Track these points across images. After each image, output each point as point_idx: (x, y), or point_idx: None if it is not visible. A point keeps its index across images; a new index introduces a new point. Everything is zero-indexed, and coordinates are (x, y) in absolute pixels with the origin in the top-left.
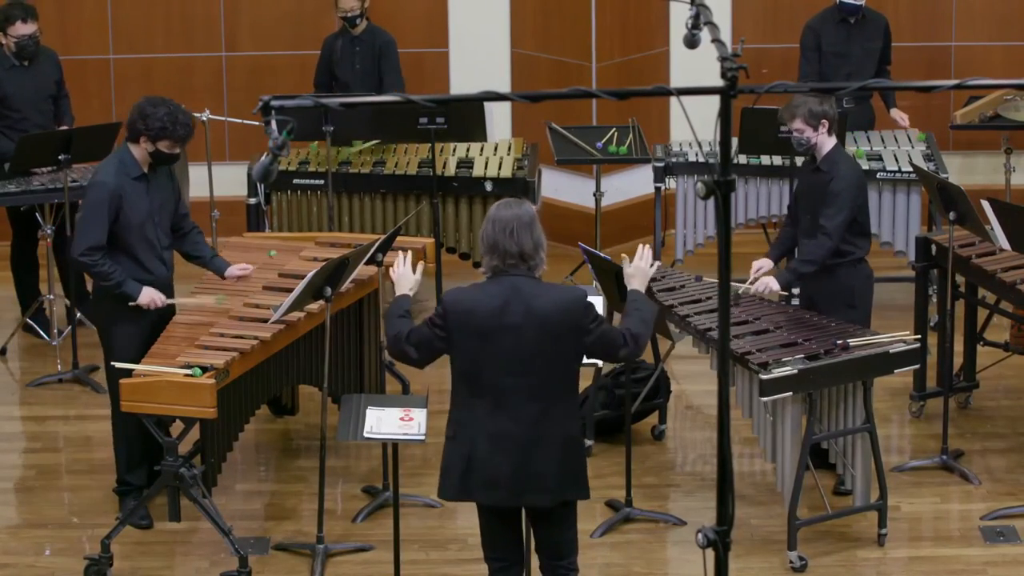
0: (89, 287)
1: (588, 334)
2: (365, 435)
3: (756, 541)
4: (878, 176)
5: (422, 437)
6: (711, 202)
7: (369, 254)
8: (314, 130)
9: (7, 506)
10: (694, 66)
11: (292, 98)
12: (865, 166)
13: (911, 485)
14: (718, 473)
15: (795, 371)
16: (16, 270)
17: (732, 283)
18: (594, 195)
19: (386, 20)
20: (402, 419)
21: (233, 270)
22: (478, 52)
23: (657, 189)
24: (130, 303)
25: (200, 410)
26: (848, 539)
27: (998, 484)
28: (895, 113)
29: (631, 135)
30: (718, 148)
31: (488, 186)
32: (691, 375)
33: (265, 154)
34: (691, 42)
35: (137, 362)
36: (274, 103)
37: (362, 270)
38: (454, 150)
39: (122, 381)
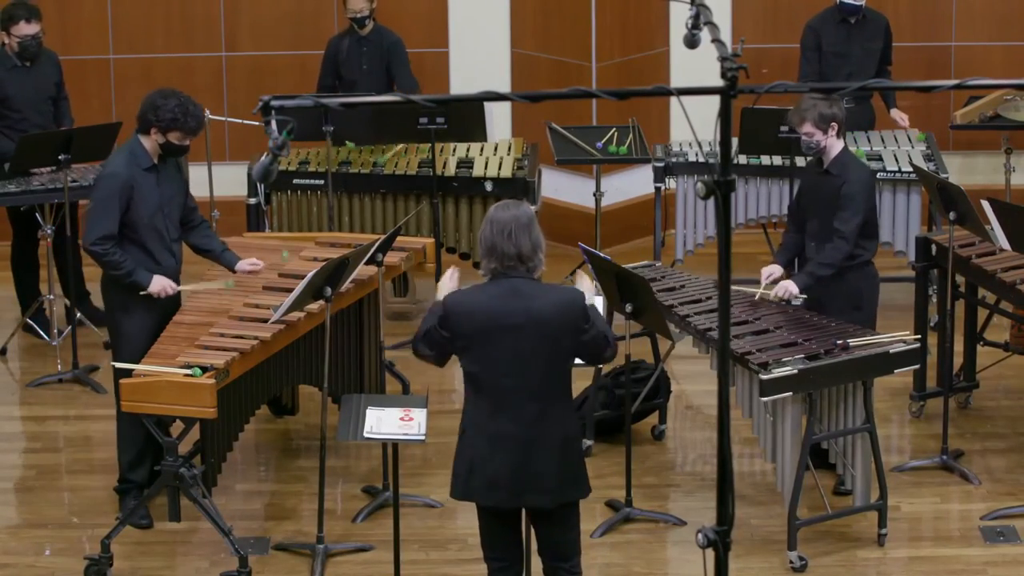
0: (89, 287)
1: (584, 333)
2: (365, 435)
3: (756, 541)
4: (878, 176)
5: (422, 437)
6: (711, 202)
7: (369, 254)
8: (314, 130)
9: (7, 506)
10: (694, 66)
11: (292, 98)
12: (868, 166)
13: (911, 485)
14: (718, 473)
15: (795, 371)
16: (16, 270)
17: (748, 288)
18: (594, 195)
19: (386, 20)
20: (402, 419)
21: (243, 264)
22: (478, 52)
23: (657, 189)
24: (141, 292)
25: (200, 410)
26: (848, 539)
27: (998, 484)
28: (895, 113)
29: (631, 135)
30: (718, 148)
31: (488, 186)
32: (691, 375)
33: (265, 154)
34: (691, 42)
35: (146, 351)
36: (274, 103)
37: (362, 270)
38: (454, 150)
39: (122, 381)
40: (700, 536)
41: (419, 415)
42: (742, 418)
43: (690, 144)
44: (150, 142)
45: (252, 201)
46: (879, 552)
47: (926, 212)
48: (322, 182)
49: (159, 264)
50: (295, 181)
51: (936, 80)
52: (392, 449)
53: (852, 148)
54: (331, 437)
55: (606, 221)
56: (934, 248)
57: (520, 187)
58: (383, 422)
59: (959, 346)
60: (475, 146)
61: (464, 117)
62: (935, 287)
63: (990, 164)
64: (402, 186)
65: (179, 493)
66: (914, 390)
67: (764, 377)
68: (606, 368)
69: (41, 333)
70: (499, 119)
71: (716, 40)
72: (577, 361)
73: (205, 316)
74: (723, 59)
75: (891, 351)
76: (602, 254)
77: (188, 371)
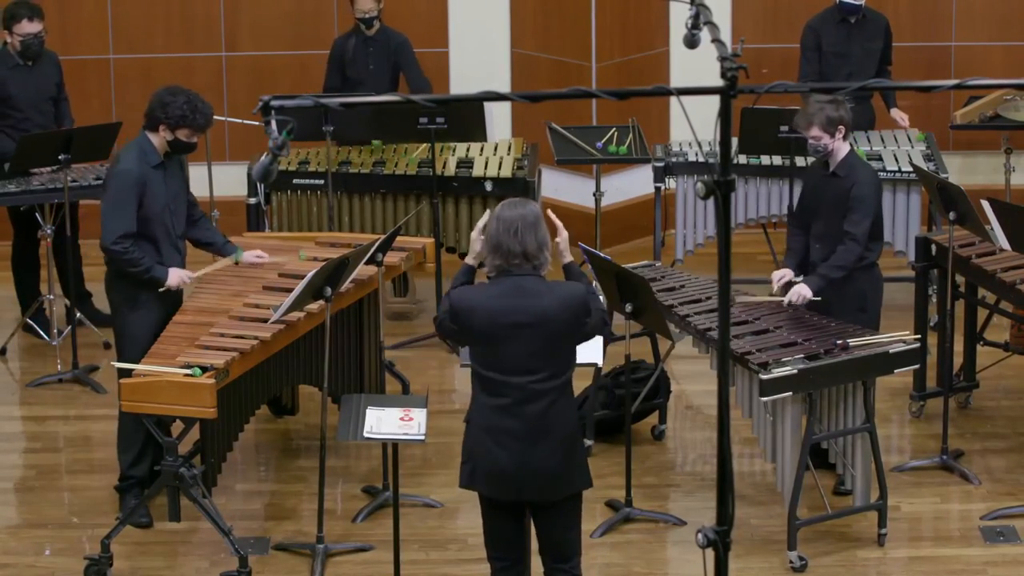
0: (89, 287)
1: (585, 326)
2: (365, 435)
3: (756, 541)
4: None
5: (422, 437)
6: (711, 202)
7: (369, 254)
8: (314, 130)
9: (7, 506)
10: (694, 66)
11: (292, 98)
12: (874, 168)
13: (911, 485)
14: (718, 473)
15: (795, 371)
16: (16, 270)
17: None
18: (594, 195)
19: (387, 20)
20: (402, 419)
21: (249, 256)
22: (478, 52)
23: (657, 189)
24: (160, 289)
25: (200, 410)
26: (848, 539)
27: (998, 484)
28: (895, 113)
29: (631, 135)
30: (718, 148)
31: (488, 186)
32: (691, 375)
33: (265, 154)
34: (691, 42)
35: (150, 346)
36: (274, 103)
37: (362, 270)
38: (454, 150)
39: (122, 381)
40: (700, 536)
41: (419, 415)
42: (742, 418)
43: (690, 144)
44: (158, 139)
45: (252, 201)
46: (879, 552)
47: (926, 212)
48: (322, 182)
49: (166, 261)
50: (295, 181)
51: (936, 80)
52: (392, 449)
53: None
54: (331, 437)
55: (606, 221)
56: (934, 248)
57: (520, 187)
58: (383, 422)
59: (959, 346)
60: (475, 146)
61: (464, 117)
62: (935, 287)
63: (990, 164)
64: (402, 186)
65: (179, 493)
66: (914, 390)
67: (764, 377)
68: (606, 368)
69: (41, 333)
70: (499, 119)
71: (716, 40)
72: (579, 360)
73: (205, 316)
74: (723, 59)
75: (891, 351)
76: (602, 254)
77: (188, 371)
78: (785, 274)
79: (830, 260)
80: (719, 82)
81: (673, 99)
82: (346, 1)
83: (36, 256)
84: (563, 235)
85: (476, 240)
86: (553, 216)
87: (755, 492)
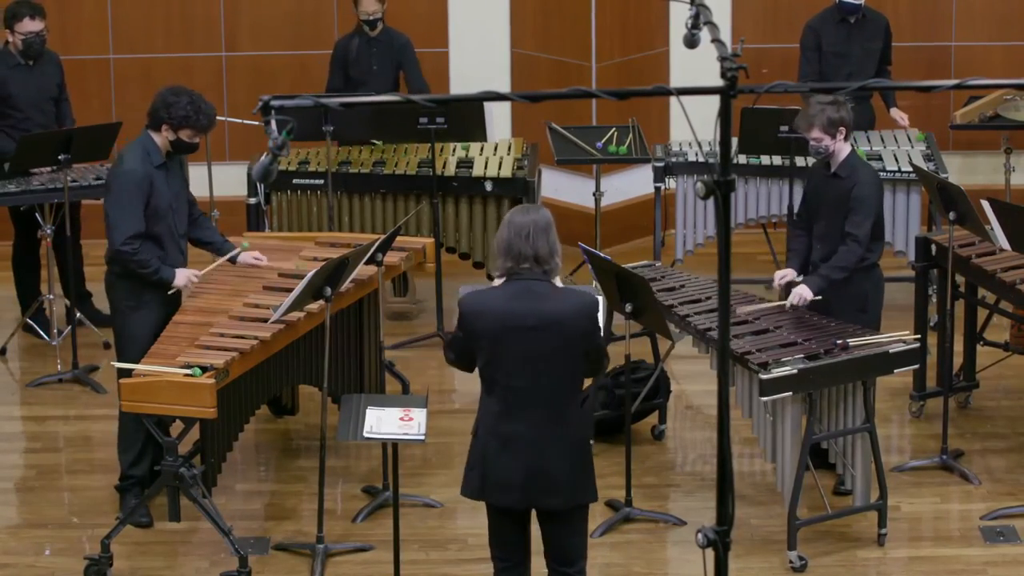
0: (89, 287)
1: (596, 338)
2: (365, 435)
3: (756, 541)
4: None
5: (422, 437)
6: (711, 202)
7: (369, 254)
8: (314, 130)
9: (7, 506)
10: (694, 66)
11: (292, 98)
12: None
13: (911, 485)
14: (718, 473)
15: (795, 371)
16: (17, 270)
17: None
18: (594, 195)
19: (387, 20)
20: (402, 419)
21: (246, 256)
22: (478, 52)
23: (657, 189)
24: (169, 292)
25: (200, 410)
26: (848, 539)
27: (998, 484)
28: (895, 113)
29: (631, 135)
30: (718, 148)
31: (488, 186)
32: (691, 375)
33: (265, 154)
34: (691, 42)
35: (151, 346)
36: (274, 103)
37: (362, 270)
38: (454, 150)
39: (122, 381)
40: (700, 536)
41: (419, 415)
42: (742, 418)
43: (690, 144)
44: (161, 139)
45: (252, 201)
46: (879, 552)
47: (926, 212)
48: (322, 182)
49: (169, 260)
50: (295, 181)
51: (936, 80)
52: (392, 449)
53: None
54: (331, 437)
55: (606, 221)
56: (934, 248)
57: (520, 187)
58: (383, 422)
59: (959, 346)
60: (475, 146)
61: (464, 117)
62: (935, 287)
63: (990, 164)
64: (402, 186)
65: (179, 493)
66: (914, 390)
67: (764, 377)
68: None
69: (41, 333)
70: (499, 119)
71: (716, 40)
72: None
73: (205, 316)
74: (723, 59)
75: (891, 351)
76: (602, 254)
77: (188, 371)
78: (787, 273)
79: (831, 261)
80: (719, 82)
81: (673, 99)
82: (347, 1)
83: (36, 256)
84: None
85: None
86: None
87: (755, 492)
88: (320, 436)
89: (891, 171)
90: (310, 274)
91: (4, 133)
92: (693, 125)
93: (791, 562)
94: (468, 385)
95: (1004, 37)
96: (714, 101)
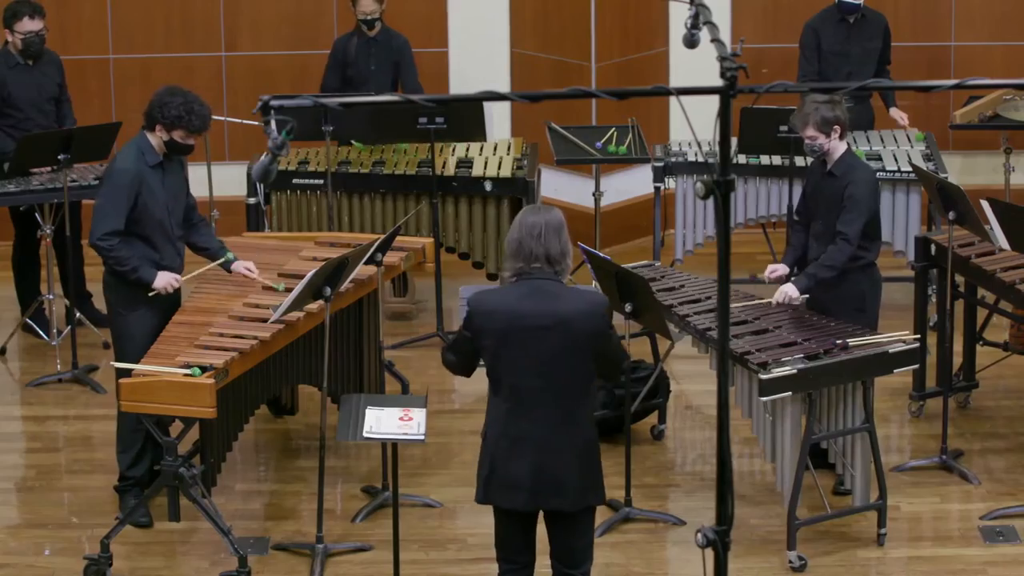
0: (89, 287)
1: (607, 339)
2: (364, 435)
3: (755, 541)
4: (878, 176)
5: (421, 437)
6: (710, 202)
7: (369, 254)
8: (314, 130)
9: (7, 506)
10: (694, 66)
11: (291, 98)
12: (871, 168)
13: (911, 485)
14: (717, 473)
15: (794, 371)
16: (16, 270)
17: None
18: (593, 195)
19: (386, 20)
20: (401, 419)
21: (238, 266)
22: (478, 52)
23: (656, 189)
24: (149, 293)
25: (200, 410)
26: (848, 539)
27: (997, 484)
28: (895, 112)
29: (630, 135)
30: (717, 148)
31: (487, 186)
32: (691, 375)
33: (265, 154)
34: (690, 42)
35: (148, 348)
36: (273, 103)
37: (362, 270)
38: (453, 150)
39: (121, 381)
40: (700, 536)
41: (418, 415)
42: (742, 418)
43: (689, 144)
44: (156, 139)
45: (252, 201)
46: (879, 552)
47: (925, 212)
48: (322, 182)
49: (163, 261)
50: (295, 181)
51: (936, 80)
52: (391, 449)
53: (852, 148)
54: (330, 437)
55: (605, 221)
56: (933, 248)
57: (520, 187)
58: (382, 422)
59: (958, 346)
60: (475, 146)
61: (463, 117)
62: (934, 287)
63: (989, 164)
64: (401, 186)
65: (178, 493)
66: (913, 390)
67: (763, 377)
68: None
69: (41, 333)
70: (499, 119)
71: (715, 40)
72: None
73: (205, 316)
74: (722, 59)
75: (890, 351)
76: (601, 254)
77: (187, 371)
78: (778, 268)
79: (820, 259)
80: (719, 82)
81: (673, 99)
82: (346, 1)
83: (36, 256)
84: None
85: None
86: None
87: (755, 492)
88: (320, 436)
89: (891, 171)
90: (310, 274)
91: (4, 133)
92: (693, 125)
93: (791, 562)
94: (468, 385)
95: (1004, 37)
96: (714, 101)
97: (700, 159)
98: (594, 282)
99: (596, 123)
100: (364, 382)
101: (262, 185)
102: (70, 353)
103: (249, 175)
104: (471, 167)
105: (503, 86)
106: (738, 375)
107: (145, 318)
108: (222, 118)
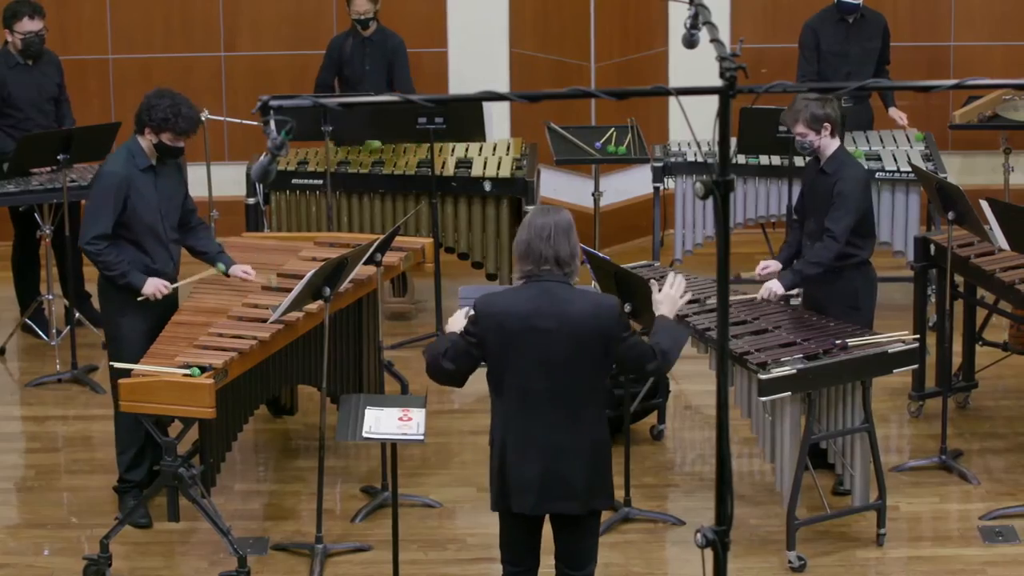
0: (88, 287)
1: (621, 342)
2: (364, 435)
3: (755, 541)
4: (877, 176)
5: (421, 437)
6: (710, 202)
7: (368, 254)
8: (313, 130)
9: (7, 506)
10: (693, 66)
11: (291, 98)
12: (864, 166)
13: (910, 485)
14: (717, 473)
15: (794, 371)
16: (16, 270)
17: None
18: (593, 195)
19: (385, 20)
20: (401, 419)
21: (236, 270)
22: (477, 52)
23: (656, 189)
24: (138, 299)
25: (199, 410)
26: (847, 539)
27: (997, 484)
28: (894, 112)
29: (630, 135)
30: (717, 148)
31: (487, 186)
32: (690, 375)
33: (264, 154)
34: (690, 42)
35: (143, 352)
36: (273, 103)
37: (361, 270)
38: (453, 150)
39: (121, 381)
40: (699, 536)
41: (418, 415)
42: (741, 418)
43: (689, 144)
44: (146, 142)
45: (251, 201)
46: (878, 552)
47: (925, 212)
48: (321, 182)
49: (156, 264)
50: (294, 181)
51: (935, 80)
52: (391, 449)
53: (851, 148)
54: (330, 437)
55: (605, 221)
56: (933, 248)
57: (519, 187)
58: (382, 422)
59: (958, 346)
60: (474, 146)
61: (463, 117)
62: (934, 287)
63: (989, 164)
64: (401, 186)
65: (178, 493)
66: (913, 390)
67: (763, 377)
68: None
69: (40, 333)
70: (498, 119)
71: (715, 40)
72: None
73: (204, 316)
74: (722, 59)
75: (890, 351)
76: (601, 254)
77: (187, 371)
78: (770, 265)
79: (806, 256)
80: (718, 82)
81: (672, 99)
82: (344, 1)
83: (36, 256)
84: (661, 292)
85: (456, 319)
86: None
87: (754, 492)
88: (319, 436)
89: (890, 171)
90: (309, 274)
91: (4, 133)
92: (692, 125)
93: (790, 562)
94: (468, 385)
95: (1003, 37)
96: (713, 101)
97: (699, 159)
98: (593, 282)
99: (595, 123)
100: (363, 382)
101: (261, 185)
102: (69, 353)
103: (248, 175)
104: (470, 167)
105: (502, 86)
106: (737, 375)
107: (138, 323)
108: (222, 118)
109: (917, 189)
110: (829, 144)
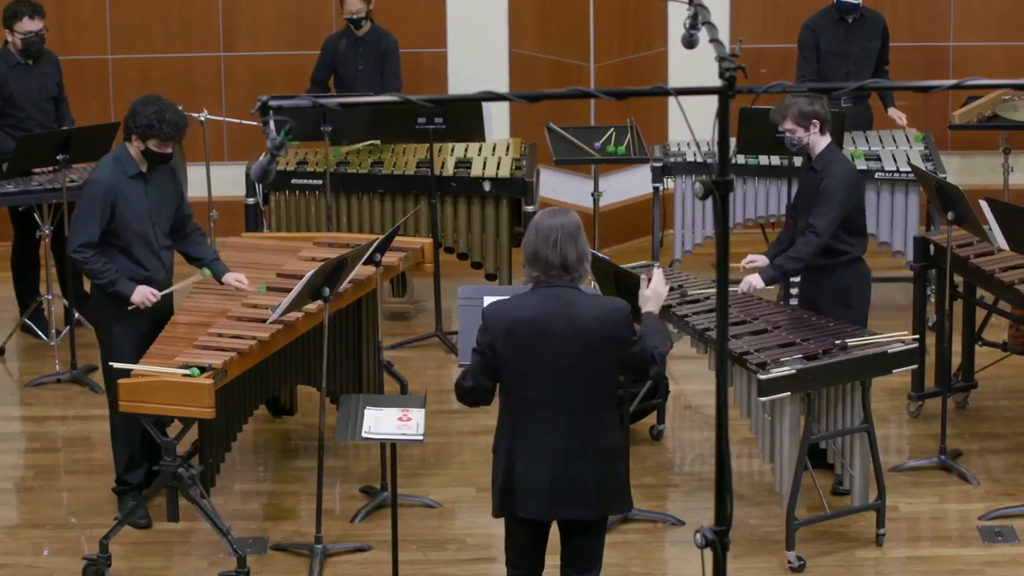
0: (88, 287)
1: (629, 346)
2: (363, 435)
3: (754, 541)
4: (876, 176)
5: (420, 437)
6: (709, 202)
7: (367, 254)
8: (312, 130)
9: (6, 506)
10: (692, 66)
11: (290, 98)
12: (863, 166)
13: (909, 485)
14: (716, 473)
15: (793, 371)
16: (15, 270)
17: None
18: (592, 195)
19: (385, 20)
20: (400, 419)
21: (229, 278)
22: (476, 52)
23: (655, 189)
24: (128, 307)
25: (198, 410)
26: (846, 539)
27: (996, 484)
28: (893, 112)
29: (629, 135)
30: (716, 148)
31: (486, 186)
32: (689, 375)
33: (263, 154)
34: (689, 42)
35: (136, 361)
36: (272, 103)
37: (360, 270)
38: (452, 150)
39: (120, 381)
40: (698, 536)
41: (417, 415)
42: (740, 418)
43: (688, 144)
44: (134, 149)
45: (250, 201)
46: (877, 552)
47: (924, 212)
48: (320, 182)
49: (147, 271)
50: (293, 181)
51: (934, 80)
52: (390, 449)
53: (850, 148)
54: (329, 437)
55: (604, 221)
56: (932, 248)
57: (518, 187)
58: (381, 422)
59: (957, 346)
60: (473, 146)
61: (462, 117)
62: (933, 287)
63: (988, 164)
64: (400, 186)
65: (177, 493)
66: (912, 390)
67: (762, 377)
68: None
69: (39, 333)
70: (497, 119)
71: (714, 40)
72: None
73: (203, 316)
74: (721, 59)
75: (889, 351)
76: (600, 254)
77: (186, 371)
78: (756, 259)
79: (789, 251)
80: (717, 82)
81: (671, 99)
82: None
83: (35, 256)
84: (649, 287)
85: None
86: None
87: (753, 492)
88: (318, 436)
89: (889, 171)
90: (309, 274)
91: (5, 133)
92: (691, 125)
93: (789, 562)
94: None
95: (1003, 37)
96: (712, 101)
97: (699, 159)
98: (592, 282)
99: (595, 123)
100: (363, 382)
101: (261, 185)
102: (69, 353)
103: (248, 175)
104: (470, 167)
105: (502, 86)
106: (737, 375)
107: (131, 328)
108: (220, 118)
109: (916, 189)
110: (818, 141)
